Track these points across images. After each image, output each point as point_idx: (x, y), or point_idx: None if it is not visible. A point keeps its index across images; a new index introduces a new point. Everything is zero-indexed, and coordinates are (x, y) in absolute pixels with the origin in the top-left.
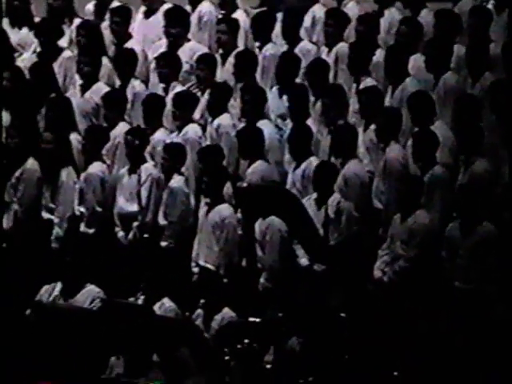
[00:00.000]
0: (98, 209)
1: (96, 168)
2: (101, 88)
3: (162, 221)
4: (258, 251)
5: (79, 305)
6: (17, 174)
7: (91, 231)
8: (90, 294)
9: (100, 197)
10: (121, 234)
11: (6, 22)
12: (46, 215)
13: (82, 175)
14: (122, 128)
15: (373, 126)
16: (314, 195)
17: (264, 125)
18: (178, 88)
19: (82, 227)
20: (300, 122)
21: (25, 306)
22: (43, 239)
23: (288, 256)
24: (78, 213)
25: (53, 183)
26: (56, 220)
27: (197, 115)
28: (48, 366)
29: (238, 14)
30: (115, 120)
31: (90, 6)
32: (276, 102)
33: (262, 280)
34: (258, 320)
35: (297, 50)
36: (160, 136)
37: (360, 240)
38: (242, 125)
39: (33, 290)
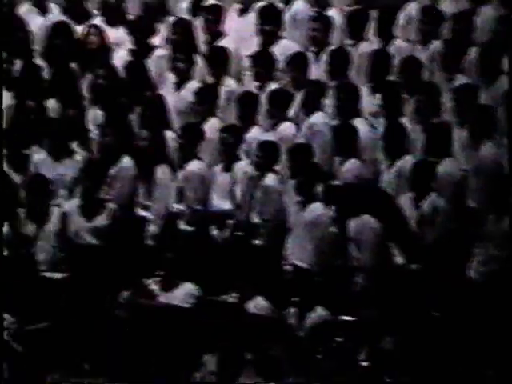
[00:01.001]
0: (198, 207)
1: (195, 166)
2: (194, 86)
3: (255, 219)
4: (353, 250)
5: (175, 301)
6: (112, 171)
7: (190, 229)
8: (185, 291)
9: (199, 195)
10: (215, 231)
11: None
12: (141, 212)
13: (181, 173)
14: (212, 124)
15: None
16: (410, 194)
17: (358, 123)
18: (272, 86)
19: (181, 225)
20: (394, 120)
21: (118, 303)
22: (138, 236)
23: (383, 255)
24: (176, 210)
25: (148, 181)
26: (151, 217)
27: (292, 113)
28: (140, 364)
29: (332, 12)
30: (206, 116)
31: (184, 4)
32: (369, 99)
33: (356, 279)
34: (351, 319)
35: (391, 48)
36: (254, 134)
37: (455, 239)
38: (335, 122)
39: (127, 286)
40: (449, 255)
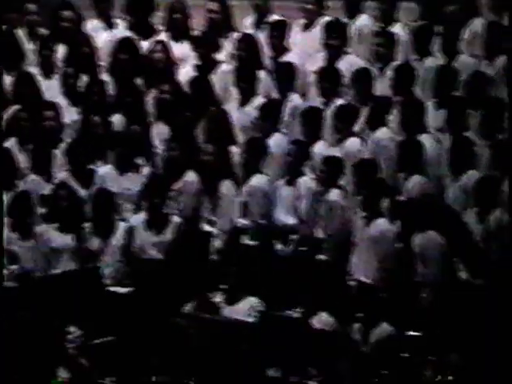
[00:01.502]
0: (262, 221)
1: (259, 180)
2: (259, 101)
3: (319, 234)
4: (418, 265)
5: (238, 316)
6: (177, 186)
7: (254, 243)
8: (249, 305)
9: (263, 209)
10: (279, 246)
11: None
12: (206, 227)
13: (245, 188)
14: (276, 139)
15: None
16: (475, 209)
17: (424, 138)
18: (338, 101)
19: (245, 239)
20: (459, 135)
21: (182, 317)
22: (203, 251)
23: (448, 270)
24: (240, 225)
25: (212, 195)
26: (216, 232)
27: (356, 129)
28: (203, 377)
29: (397, 28)
30: (271, 131)
31: (249, 20)
32: (434, 115)
33: (421, 294)
34: (417, 334)
35: (456, 64)
36: (320, 149)
37: None
38: (401, 138)
39: (191, 300)
40: None
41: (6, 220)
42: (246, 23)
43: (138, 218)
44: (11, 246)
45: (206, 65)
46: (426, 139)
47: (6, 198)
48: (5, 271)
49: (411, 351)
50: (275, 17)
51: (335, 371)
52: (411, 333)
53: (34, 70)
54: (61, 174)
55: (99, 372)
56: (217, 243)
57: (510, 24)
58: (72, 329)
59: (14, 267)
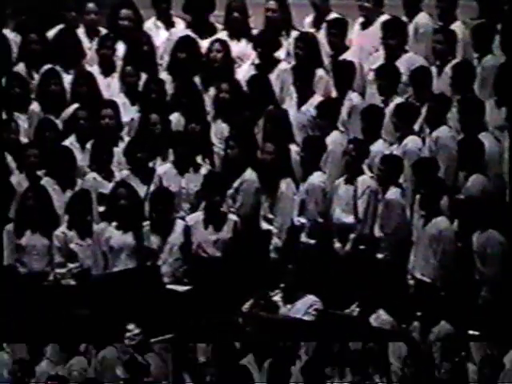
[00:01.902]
0: (320, 220)
1: (317, 178)
2: (317, 100)
3: (378, 233)
4: (478, 264)
5: (297, 314)
6: (235, 184)
7: (312, 242)
8: (307, 304)
9: (322, 207)
10: (337, 244)
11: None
12: (264, 225)
13: (303, 186)
14: (334, 137)
15: None
16: None
17: (484, 137)
18: (397, 100)
19: (303, 238)
20: None
21: (241, 315)
22: (262, 249)
23: (508, 268)
24: (298, 223)
25: (272, 194)
26: (275, 230)
27: (416, 127)
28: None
29: (457, 25)
30: (329, 129)
31: (309, 18)
32: (495, 113)
33: (482, 293)
34: (477, 333)
35: None
36: (378, 147)
37: None
38: (461, 136)
39: (250, 298)
40: None
41: (65, 218)
42: (306, 22)
43: (197, 217)
44: (70, 243)
45: (265, 63)
46: (485, 138)
47: (66, 196)
48: (63, 269)
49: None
50: (334, 15)
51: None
52: (471, 332)
53: (93, 69)
54: (120, 172)
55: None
56: (275, 241)
57: None
58: (131, 326)
59: (73, 265)
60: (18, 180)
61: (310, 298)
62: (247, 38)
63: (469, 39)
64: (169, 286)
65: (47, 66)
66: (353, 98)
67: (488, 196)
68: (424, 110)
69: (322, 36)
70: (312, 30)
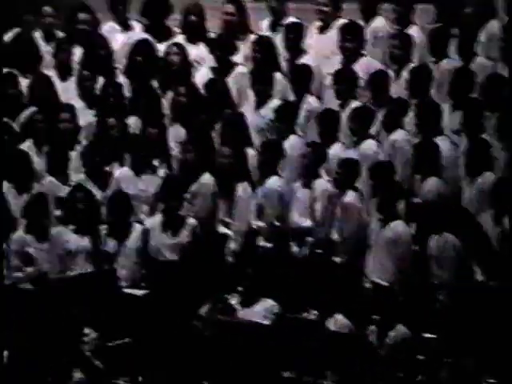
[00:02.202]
0: (277, 223)
1: (274, 182)
2: (275, 104)
3: (335, 236)
4: (433, 267)
5: (255, 318)
6: (193, 188)
7: (270, 245)
8: (265, 307)
9: (279, 211)
10: (295, 248)
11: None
12: (222, 229)
13: (260, 190)
14: (292, 140)
15: None
16: (491, 211)
17: (440, 140)
18: (354, 104)
19: (260, 241)
20: (476, 138)
21: (199, 319)
22: (220, 253)
23: (464, 272)
24: (255, 227)
25: (229, 198)
26: (232, 234)
27: (373, 131)
28: (220, 380)
29: (413, 30)
30: (287, 133)
31: (266, 22)
32: (451, 117)
33: (438, 296)
34: (433, 336)
35: (473, 66)
36: (336, 151)
37: None
38: (417, 140)
39: (207, 302)
40: None
41: (22, 221)
42: (262, 25)
43: (154, 220)
44: (27, 247)
45: (222, 67)
46: (441, 141)
47: (22, 199)
48: (20, 273)
49: (427, 354)
50: (291, 19)
51: (351, 373)
52: (427, 335)
53: (50, 73)
54: (77, 176)
55: (114, 374)
56: (233, 245)
57: None
58: (87, 331)
59: (29, 269)
60: None
61: (268, 302)
62: (204, 41)
63: (425, 43)
64: (126, 290)
65: (4, 70)
66: (310, 101)
67: (444, 199)
68: (381, 114)
69: (279, 40)
70: (269, 34)
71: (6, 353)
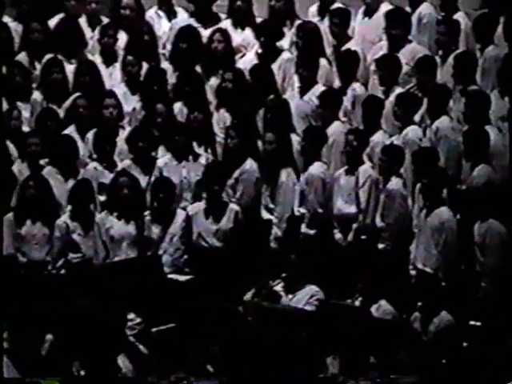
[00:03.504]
0: (320, 210)
1: (317, 169)
2: (319, 90)
3: (379, 223)
4: (478, 254)
5: (299, 304)
6: (235, 174)
7: (312, 232)
8: (308, 294)
9: (321, 198)
10: (339, 235)
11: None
12: (265, 215)
13: (303, 176)
14: (336, 127)
15: None
16: None
17: (488, 128)
18: (398, 90)
19: (303, 228)
20: None
21: (242, 304)
22: (263, 239)
23: (508, 259)
24: (298, 213)
25: (272, 184)
26: (275, 220)
27: (417, 118)
28: (263, 364)
29: (459, 16)
30: (331, 119)
31: (314, 8)
32: (498, 104)
33: (482, 283)
34: (478, 323)
35: None
36: (379, 138)
37: None
38: (462, 127)
39: (251, 288)
40: None
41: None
42: (310, 11)
43: (198, 207)
44: (72, 234)
45: (268, 53)
46: (490, 129)
47: (68, 185)
48: (64, 259)
49: (472, 341)
50: (337, 4)
51: (395, 360)
52: (472, 322)
53: (95, 58)
54: (122, 162)
55: (160, 360)
56: (276, 231)
57: None
58: (132, 316)
59: (74, 255)
60: (20, 169)
61: (312, 288)
62: (251, 26)
63: (471, 30)
64: (170, 276)
65: (49, 56)
66: (356, 88)
67: (493, 186)
68: (426, 101)
69: (325, 26)
70: (316, 20)
71: (50, 336)
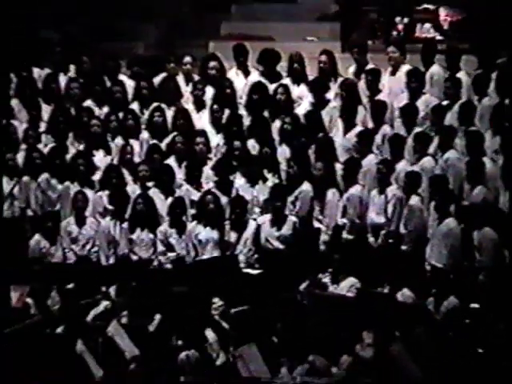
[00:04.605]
0: (357, 221)
1: (356, 189)
2: (357, 130)
3: (403, 230)
4: (477, 254)
5: (342, 291)
6: (295, 193)
7: (351, 237)
8: (349, 284)
9: (359, 211)
10: (372, 239)
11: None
12: (316, 225)
13: (345, 195)
14: (370, 158)
15: None
16: None
17: (484, 159)
18: (416, 130)
19: (344, 234)
20: (510, 156)
21: (300, 293)
22: (314, 242)
23: (499, 258)
24: (341, 223)
25: (322, 200)
26: (323, 228)
27: (431, 150)
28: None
29: (461, 74)
30: (366, 152)
31: (352, 68)
32: (491, 141)
33: (480, 276)
34: (477, 306)
35: (507, 101)
36: (402, 166)
37: None
38: (465, 158)
39: (306, 280)
40: None
41: (166, 218)
42: (349, 71)
43: (265, 218)
44: (170, 238)
45: (318, 102)
46: (485, 159)
47: (167, 202)
48: (163, 257)
49: (472, 319)
50: (370, 66)
51: (413, 333)
52: (472, 305)
53: (188, 106)
54: (208, 184)
55: (237, 334)
56: (324, 237)
57: None
58: (216, 300)
59: (171, 254)
60: (133, 189)
61: (352, 280)
62: (305, 82)
63: (471, 85)
64: (244, 270)
65: (154, 104)
66: (385, 128)
67: (488, 203)
68: (437, 138)
69: (362, 81)
70: (354, 77)
71: (158, 316)
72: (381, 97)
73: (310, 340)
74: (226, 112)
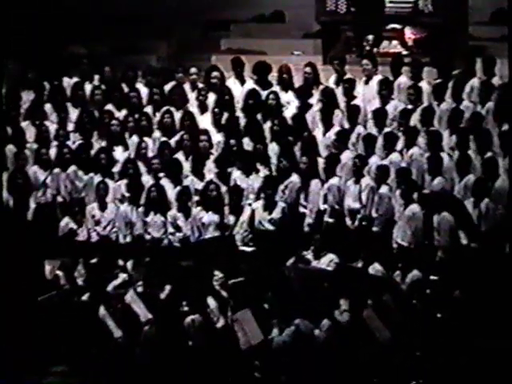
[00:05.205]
0: (336, 206)
1: (335, 180)
2: (335, 130)
3: (374, 214)
4: (436, 235)
5: (323, 266)
6: (285, 183)
7: (331, 221)
8: (329, 259)
9: (337, 199)
10: (349, 222)
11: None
12: (302, 210)
13: (326, 185)
14: (346, 154)
15: None
16: (472, 199)
17: (442, 154)
18: (386, 130)
19: (325, 218)
20: (464, 153)
21: (286, 267)
22: (299, 225)
23: (455, 238)
24: (322, 208)
25: (306, 189)
26: (308, 213)
27: (398, 147)
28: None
29: (423, 83)
30: (343, 149)
31: (332, 78)
32: (448, 139)
33: (438, 253)
34: (436, 278)
35: (461, 106)
36: (374, 160)
37: (500, 228)
38: (427, 154)
39: (292, 256)
40: (498, 238)
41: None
42: (330, 80)
43: (258, 204)
44: (177, 220)
45: (303, 106)
46: (443, 155)
47: (175, 190)
48: (172, 237)
49: (432, 289)
50: (348, 76)
51: (383, 301)
52: (432, 277)
53: (193, 109)
54: (209, 175)
55: (234, 302)
56: (308, 220)
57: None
58: (216, 272)
59: (178, 234)
60: (147, 179)
61: (331, 256)
62: (292, 90)
63: (431, 92)
64: (240, 248)
65: (164, 108)
66: (359, 128)
67: (445, 191)
68: (403, 137)
69: (340, 89)
70: (333, 86)
71: (168, 286)
72: (356, 102)
73: (295, 306)
74: (225, 114)
